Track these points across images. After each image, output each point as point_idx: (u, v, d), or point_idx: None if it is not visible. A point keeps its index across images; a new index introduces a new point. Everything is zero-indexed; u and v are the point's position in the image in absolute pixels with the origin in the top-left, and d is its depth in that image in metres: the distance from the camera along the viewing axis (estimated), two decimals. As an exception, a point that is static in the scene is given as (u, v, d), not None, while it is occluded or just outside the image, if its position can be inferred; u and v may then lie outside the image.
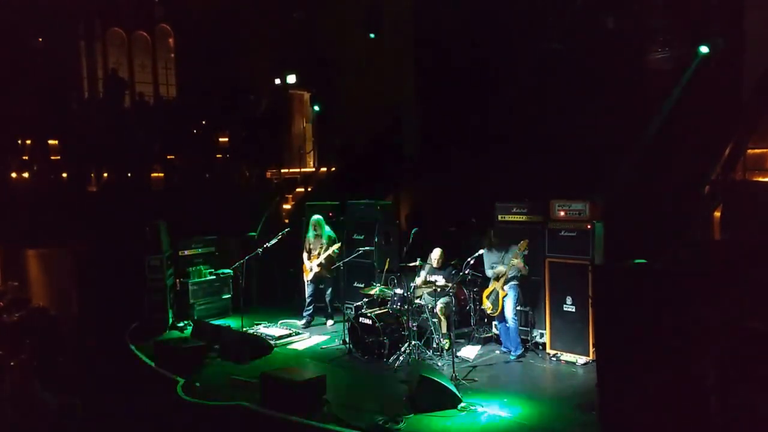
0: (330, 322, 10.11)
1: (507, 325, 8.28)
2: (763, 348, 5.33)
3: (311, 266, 9.88)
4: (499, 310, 8.24)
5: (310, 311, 10.06)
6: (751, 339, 5.43)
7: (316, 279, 9.95)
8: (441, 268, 8.97)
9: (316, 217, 10.03)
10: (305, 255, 10.01)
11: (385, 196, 12.29)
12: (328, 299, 10.08)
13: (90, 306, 10.74)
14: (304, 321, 10.02)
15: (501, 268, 8.20)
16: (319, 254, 9.81)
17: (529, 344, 8.58)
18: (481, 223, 8.95)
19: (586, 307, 7.89)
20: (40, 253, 12.15)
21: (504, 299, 8.19)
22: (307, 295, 10.09)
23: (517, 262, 8.03)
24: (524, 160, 10.39)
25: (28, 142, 14.74)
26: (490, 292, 8.32)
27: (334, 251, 9.77)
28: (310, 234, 9.95)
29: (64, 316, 10.40)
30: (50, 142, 14.81)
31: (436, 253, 8.95)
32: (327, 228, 9.98)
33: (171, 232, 10.56)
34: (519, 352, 8.27)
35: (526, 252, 8.08)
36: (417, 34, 13.46)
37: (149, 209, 11.35)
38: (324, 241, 9.84)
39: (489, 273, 8.42)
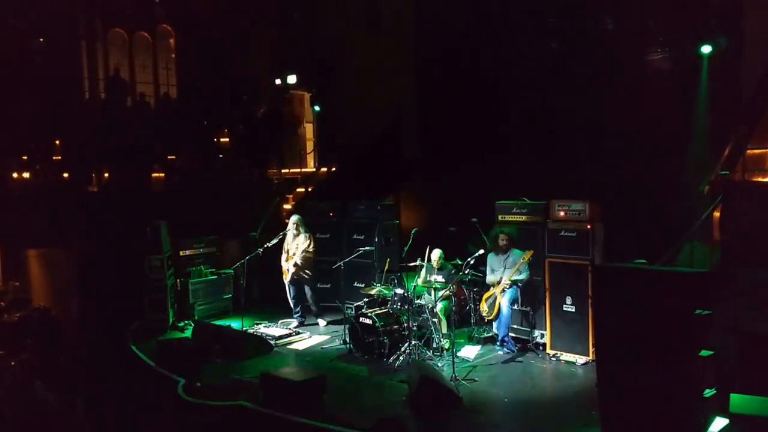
0: (322, 321, 10.05)
1: (502, 313, 8.36)
2: (762, 348, 5.35)
3: (288, 267, 9.82)
4: (494, 314, 8.33)
5: (299, 312, 10.00)
6: (750, 339, 5.45)
7: (295, 280, 9.87)
8: (441, 268, 8.97)
9: (297, 216, 9.98)
10: (283, 256, 9.91)
11: (385, 196, 12.29)
12: (310, 300, 10.00)
13: (90, 306, 10.73)
14: (296, 323, 9.96)
15: (496, 279, 8.26)
16: (295, 254, 9.80)
17: (530, 344, 8.59)
18: (482, 223, 8.94)
19: (586, 307, 7.90)
20: (40, 253, 12.14)
21: (500, 302, 8.30)
22: (290, 297, 10.01)
23: (517, 268, 8.12)
24: (524, 160, 10.40)
25: (29, 142, 14.75)
26: (489, 296, 8.40)
27: (307, 250, 9.70)
28: (289, 234, 9.84)
29: (65, 316, 10.40)
30: (51, 142, 14.82)
31: (436, 254, 8.95)
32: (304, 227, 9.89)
33: (171, 232, 10.56)
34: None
35: (528, 260, 8.17)
36: (417, 34, 13.47)
37: (149, 209, 11.34)
38: (300, 240, 9.78)
39: (489, 278, 8.45)
